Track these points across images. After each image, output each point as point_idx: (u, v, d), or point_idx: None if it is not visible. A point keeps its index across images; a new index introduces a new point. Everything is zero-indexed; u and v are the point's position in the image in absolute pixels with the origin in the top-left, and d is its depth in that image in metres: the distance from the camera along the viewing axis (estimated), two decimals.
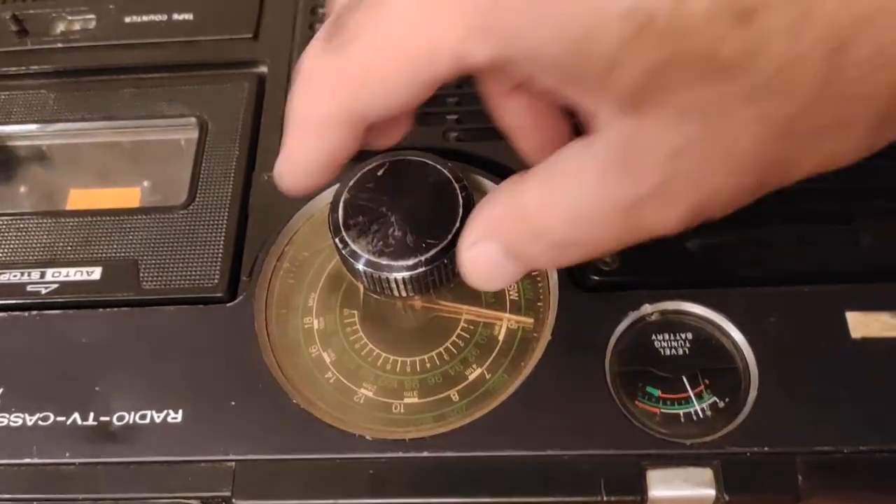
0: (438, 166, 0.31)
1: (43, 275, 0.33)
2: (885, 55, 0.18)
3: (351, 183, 0.31)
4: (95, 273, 0.33)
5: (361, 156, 0.29)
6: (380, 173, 0.31)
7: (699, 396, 0.29)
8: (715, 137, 0.19)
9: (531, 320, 0.31)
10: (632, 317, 0.30)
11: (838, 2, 0.17)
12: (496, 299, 0.32)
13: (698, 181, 0.20)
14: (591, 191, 0.22)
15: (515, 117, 0.28)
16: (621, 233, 0.22)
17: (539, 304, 0.32)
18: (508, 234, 0.24)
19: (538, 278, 0.32)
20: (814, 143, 0.20)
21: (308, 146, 0.25)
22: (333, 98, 0.23)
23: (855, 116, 0.19)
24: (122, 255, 0.34)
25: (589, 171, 0.22)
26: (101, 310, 0.32)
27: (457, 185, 0.30)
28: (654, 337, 0.30)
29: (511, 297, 0.32)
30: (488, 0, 0.19)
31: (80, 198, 0.37)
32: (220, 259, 0.33)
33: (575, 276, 0.32)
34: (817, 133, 0.19)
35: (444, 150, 0.33)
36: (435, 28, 0.20)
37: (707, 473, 0.27)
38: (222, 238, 0.34)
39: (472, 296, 0.32)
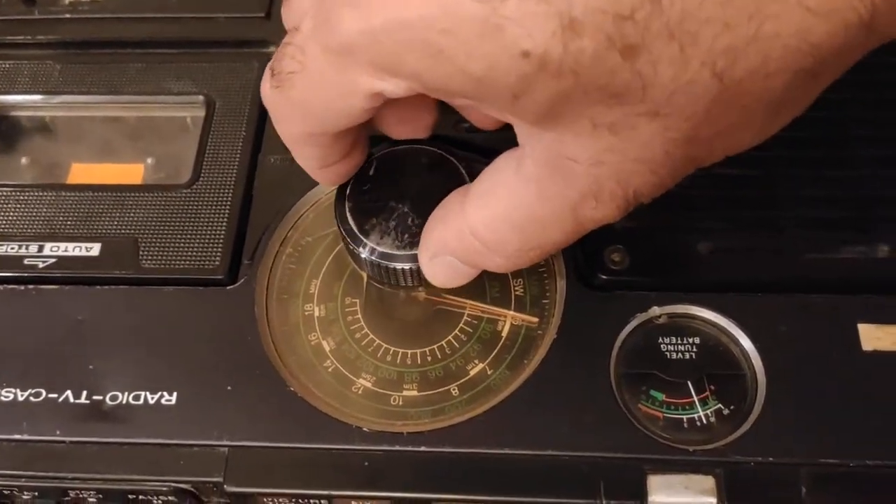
0: (445, 154, 0.30)
1: (41, 248, 0.33)
2: (769, 65, 0.19)
3: (358, 171, 0.30)
4: (94, 249, 0.33)
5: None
6: (387, 162, 0.30)
7: (704, 402, 0.28)
8: (627, 146, 0.21)
9: (536, 319, 0.31)
10: (639, 318, 0.30)
11: (717, 30, 0.18)
12: (501, 295, 0.31)
13: (621, 182, 0.22)
14: (534, 202, 0.24)
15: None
16: (572, 229, 0.24)
17: (545, 301, 0.31)
18: (464, 253, 0.26)
19: (545, 275, 0.32)
20: (716, 141, 0.22)
21: (300, 157, 0.28)
22: (292, 124, 0.26)
23: (751, 117, 0.21)
24: (123, 232, 0.33)
25: (527, 185, 0.23)
26: (98, 287, 0.32)
27: (465, 174, 0.30)
28: (660, 340, 0.30)
29: (517, 293, 0.31)
30: (385, 52, 0.21)
31: (82, 172, 0.37)
32: (221, 241, 0.33)
33: (583, 275, 0.31)
34: (719, 134, 0.21)
35: (455, 139, 0.33)
36: (348, 75, 0.22)
37: (709, 481, 0.27)
38: (225, 220, 0.33)
39: (477, 290, 0.31)
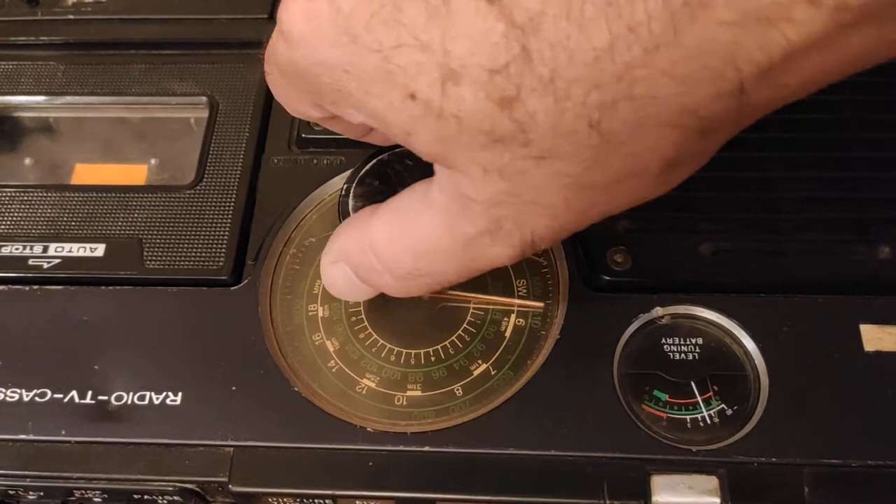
0: None
1: (45, 249, 0.33)
2: (647, 122, 0.20)
3: (362, 170, 0.30)
4: (99, 250, 0.33)
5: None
6: (391, 161, 0.30)
7: (707, 403, 0.29)
8: (521, 190, 0.22)
9: (541, 304, 0.31)
10: (642, 319, 0.30)
11: (587, 88, 0.19)
12: (504, 294, 0.31)
13: (519, 223, 0.23)
14: (434, 230, 0.24)
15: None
16: (463, 265, 0.25)
17: (548, 301, 0.31)
18: (359, 265, 0.27)
19: (548, 276, 0.32)
20: (613, 189, 0.22)
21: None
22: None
23: (642, 166, 0.21)
24: (127, 233, 0.33)
25: (431, 213, 0.24)
26: (103, 287, 0.32)
27: None
28: (663, 340, 0.30)
29: (520, 292, 0.31)
30: (312, 83, 0.23)
31: (86, 173, 0.37)
32: (225, 242, 0.33)
33: (586, 275, 0.31)
34: (613, 182, 0.21)
35: None
36: (296, 94, 0.25)
37: (712, 481, 0.27)
38: (229, 220, 0.33)
39: (481, 285, 0.31)
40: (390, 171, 0.30)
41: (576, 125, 0.20)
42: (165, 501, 0.29)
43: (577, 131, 0.20)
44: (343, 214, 0.30)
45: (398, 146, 0.31)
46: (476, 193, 0.22)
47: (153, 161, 0.37)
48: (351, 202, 0.30)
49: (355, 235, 0.27)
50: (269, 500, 0.28)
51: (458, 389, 0.30)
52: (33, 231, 0.33)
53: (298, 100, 0.26)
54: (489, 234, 0.23)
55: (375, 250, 0.26)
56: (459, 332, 0.31)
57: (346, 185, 0.30)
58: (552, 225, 0.23)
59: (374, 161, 0.30)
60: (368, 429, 0.28)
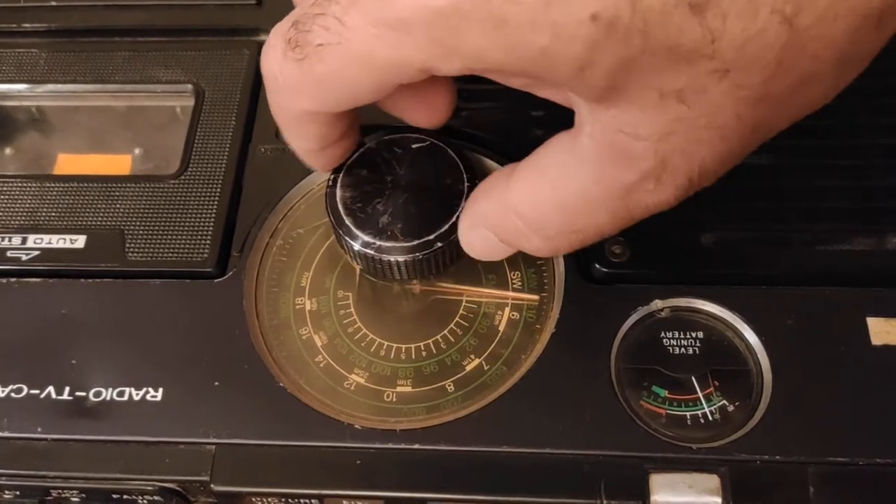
0: (439, 143, 0.29)
1: (24, 240, 0.32)
2: (837, 8, 0.19)
3: (349, 161, 0.29)
4: (79, 241, 0.32)
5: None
6: (380, 151, 0.29)
7: (708, 398, 0.28)
8: (696, 114, 0.20)
9: (536, 297, 0.30)
10: (640, 312, 0.29)
11: None
12: (498, 288, 0.31)
13: (689, 155, 0.21)
14: (585, 183, 0.23)
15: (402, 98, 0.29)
16: (620, 216, 0.23)
17: (543, 294, 0.30)
18: (502, 229, 0.25)
19: (543, 268, 0.31)
20: (788, 99, 0.21)
21: (294, 137, 0.27)
22: (301, 99, 0.24)
23: (820, 67, 0.20)
24: (109, 224, 0.32)
25: (581, 165, 0.22)
26: (83, 280, 0.31)
27: (460, 164, 0.29)
28: (663, 334, 0.29)
29: (514, 285, 0.31)
30: (446, 27, 0.20)
31: (69, 163, 0.36)
32: (210, 233, 0.32)
33: (582, 267, 0.30)
34: (789, 90, 0.20)
35: (447, 128, 0.32)
36: (401, 52, 0.21)
37: (714, 480, 0.26)
38: (214, 211, 0.32)
39: (474, 278, 0.31)
40: (378, 159, 0.29)
41: (767, 23, 0.18)
42: (146, 501, 0.28)
43: (766, 31, 0.19)
44: (331, 205, 0.29)
45: (386, 134, 0.30)
46: (646, 127, 0.21)
47: (137, 151, 0.36)
48: (339, 192, 0.29)
49: (494, 198, 0.25)
50: (253, 499, 0.28)
51: (449, 385, 0.29)
52: (12, 222, 0.32)
53: (357, 81, 0.23)
54: (652, 177, 0.22)
55: (519, 212, 0.24)
56: (451, 325, 0.30)
57: (333, 175, 0.29)
58: (721, 151, 0.21)
59: (361, 150, 0.29)
60: (356, 426, 0.28)
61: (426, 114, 0.29)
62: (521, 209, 0.24)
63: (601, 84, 0.20)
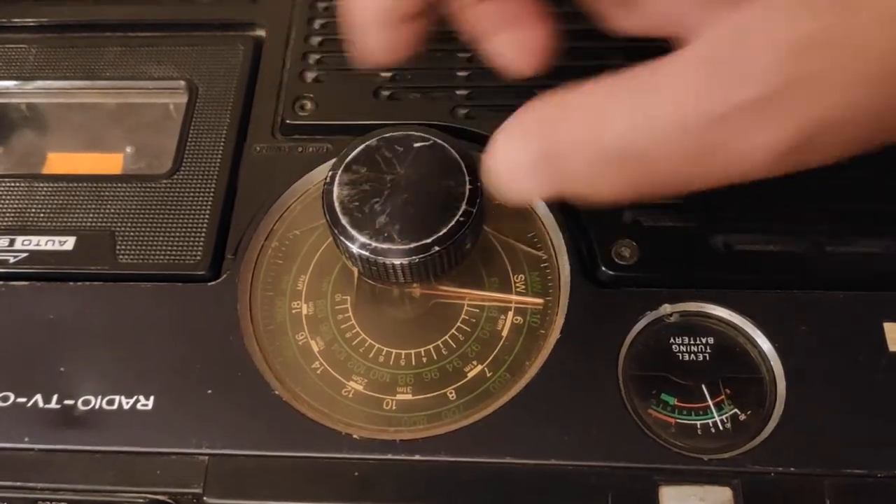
0: (439, 140, 0.28)
1: (12, 242, 0.31)
2: None
3: (347, 158, 0.28)
4: (69, 243, 0.31)
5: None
6: (379, 149, 0.29)
7: (719, 407, 0.27)
8: (844, 32, 0.17)
9: (540, 300, 0.29)
10: (649, 317, 0.28)
11: None
12: (501, 291, 0.30)
13: (818, 91, 0.18)
14: (676, 93, 0.19)
15: (491, 21, 0.26)
16: (690, 159, 0.19)
17: (548, 298, 0.29)
18: (556, 146, 0.21)
19: (547, 270, 0.30)
20: None
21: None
22: None
23: None
24: (99, 225, 0.32)
25: (679, 71, 0.19)
26: (72, 283, 0.30)
27: (463, 165, 0.28)
28: (672, 340, 0.28)
29: (518, 289, 0.30)
30: None
31: (59, 162, 0.36)
32: (203, 234, 0.31)
33: (588, 270, 0.29)
34: None
35: (451, 127, 0.31)
36: None
37: (726, 493, 0.25)
38: (207, 212, 0.32)
39: (476, 281, 0.30)
40: (378, 156, 0.28)
41: None
42: None
43: None
44: (328, 205, 0.28)
45: (388, 131, 0.29)
46: (782, 33, 0.17)
47: (129, 149, 0.35)
48: (336, 190, 0.28)
49: (555, 110, 0.21)
50: None
51: (451, 393, 0.28)
52: None
53: None
54: (763, 108, 0.18)
55: (584, 107, 0.20)
56: (453, 331, 0.29)
57: (331, 173, 0.28)
58: (850, 104, 0.18)
59: (361, 146, 0.29)
60: (354, 436, 0.27)
61: (521, 56, 0.26)
62: (589, 106, 0.20)
63: None
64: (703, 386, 0.27)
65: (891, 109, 0.18)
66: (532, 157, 0.21)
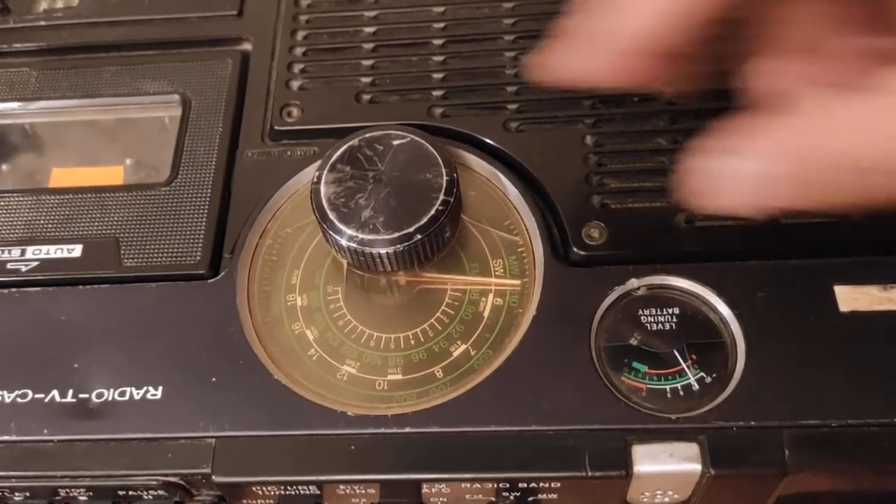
0: (418, 138, 0.30)
1: (23, 252, 0.33)
2: None
3: (332, 159, 0.30)
4: (76, 250, 0.33)
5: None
6: (361, 148, 0.30)
7: (686, 371, 0.28)
8: None
9: (517, 282, 0.31)
10: (618, 291, 0.30)
11: None
12: (480, 275, 0.32)
13: None
14: None
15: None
16: None
17: (525, 279, 0.31)
18: (807, 167, 0.20)
19: (524, 254, 0.32)
20: None
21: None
22: None
23: None
24: (104, 232, 0.33)
25: None
26: (81, 287, 0.32)
27: (440, 159, 0.30)
28: (640, 312, 0.30)
29: (496, 272, 0.32)
30: None
31: (63, 176, 0.37)
32: (202, 236, 0.33)
33: (560, 252, 0.31)
34: None
35: (429, 126, 0.33)
36: None
37: (693, 448, 0.27)
38: (205, 215, 0.33)
39: (458, 267, 0.31)
40: (361, 155, 0.30)
41: None
42: (150, 496, 0.29)
43: None
44: (316, 203, 0.30)
45: (368, 131, 0.31)
46: None
47: (129, 161, 0.37)
48: (323, 189, 0.30)
49: (814, 120, 0.20)
50: (254, 489, 0.29)
51: (438, 371, 0.30)
52: (10, 235, 0.33)
53: None
54: None
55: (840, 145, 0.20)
56: (438, 314, 0.31)
57: (318, 173, 0.30)
58: None
59: (344, 147, 0.31)
60: (349, 413, 0.28)
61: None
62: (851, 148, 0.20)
63: None
64: (671, 352, 0.29)
65: None
66: (785, 167, 0.21)
